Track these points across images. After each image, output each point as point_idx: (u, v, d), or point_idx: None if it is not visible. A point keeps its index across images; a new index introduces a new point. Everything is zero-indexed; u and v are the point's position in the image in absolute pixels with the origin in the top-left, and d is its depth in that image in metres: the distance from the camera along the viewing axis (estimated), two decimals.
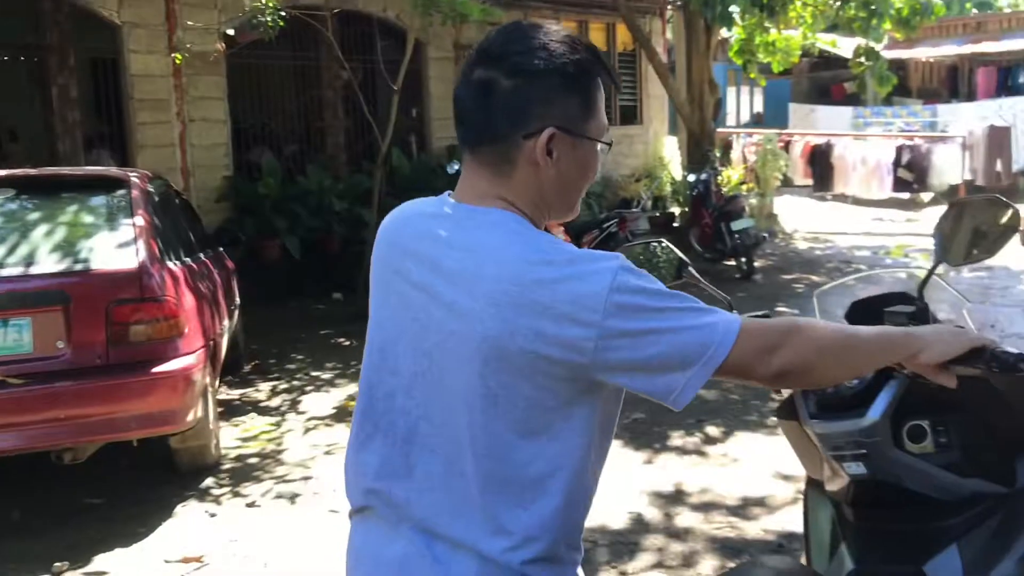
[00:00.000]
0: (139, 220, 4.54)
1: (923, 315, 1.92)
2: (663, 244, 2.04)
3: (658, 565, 3.62)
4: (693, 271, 1.98)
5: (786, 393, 2.09)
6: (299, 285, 9.81)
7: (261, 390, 6.52)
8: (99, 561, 3.86)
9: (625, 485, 4.37)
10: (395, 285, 1.46)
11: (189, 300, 4.61)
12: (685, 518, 4.04)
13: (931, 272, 1.93)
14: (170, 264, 4.64)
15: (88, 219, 4.57)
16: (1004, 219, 1.87)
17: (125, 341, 4.23)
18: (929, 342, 1.44)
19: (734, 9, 11.47)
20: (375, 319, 1.51)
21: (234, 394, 6.43)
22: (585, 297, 1.27)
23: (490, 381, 1.32)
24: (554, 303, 1.28)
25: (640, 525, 3.98)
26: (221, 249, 6.79)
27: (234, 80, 10.63)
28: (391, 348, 1.45)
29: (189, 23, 9.38)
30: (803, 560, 2.12)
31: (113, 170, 5.10)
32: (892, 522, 1.89)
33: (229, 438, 5.42)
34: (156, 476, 4.77)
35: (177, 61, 8.95)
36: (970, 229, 1.92)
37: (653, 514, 4.10)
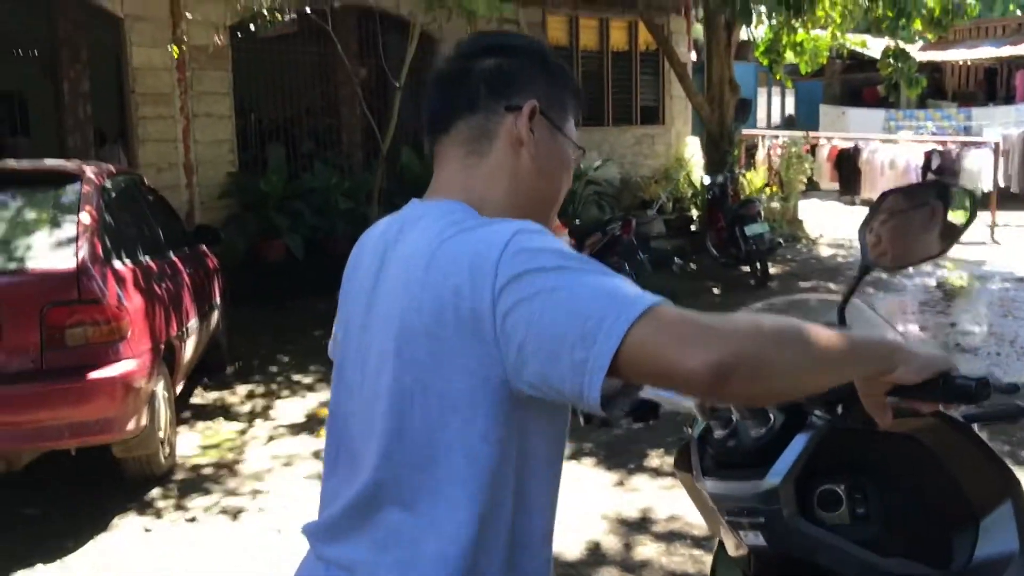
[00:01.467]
0: (85, 218, 4.32)
1: None
2: None
3: None
4: None
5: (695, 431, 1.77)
6: (301, 285, 9.59)
7: (237, 394, 6.30)
8: None
9: (588, 509, 4.07)
10: (350, 297, 1.36)
11: (137, 302, 4.38)
12: (646, 549, 3.73)
13: (856, 284, 1.58)
14: (117, 264, 4.41)
15: (31, 216, 4.36)
16: (958, 207, 1.51)
17: (61, 345, 4.01)
18: (913, 354, 1.15)
19: (757, 8, 11.08)
20: (338, 337, 1.42)
21: (209, 398, 6.21)
22: (481, 258, 1.11)
23: (406, 375, 1.17)
24: (453, 269, 1.13)
25: (595, 556, 3.67)
26: (203, 247, 6.60)
27: (245, 75, 10.45)
28: (346, 366, 1.34)
29: (189, 15, 9.19)
30: None
31: (68, 165, 4.88)
32: None
33: (191, 445, 5.20)
34: (100, 486, 4.55)
35: (174, 54, 8.77)
36: (913, 224, 1.55)
37: (612, 543, 3.80)
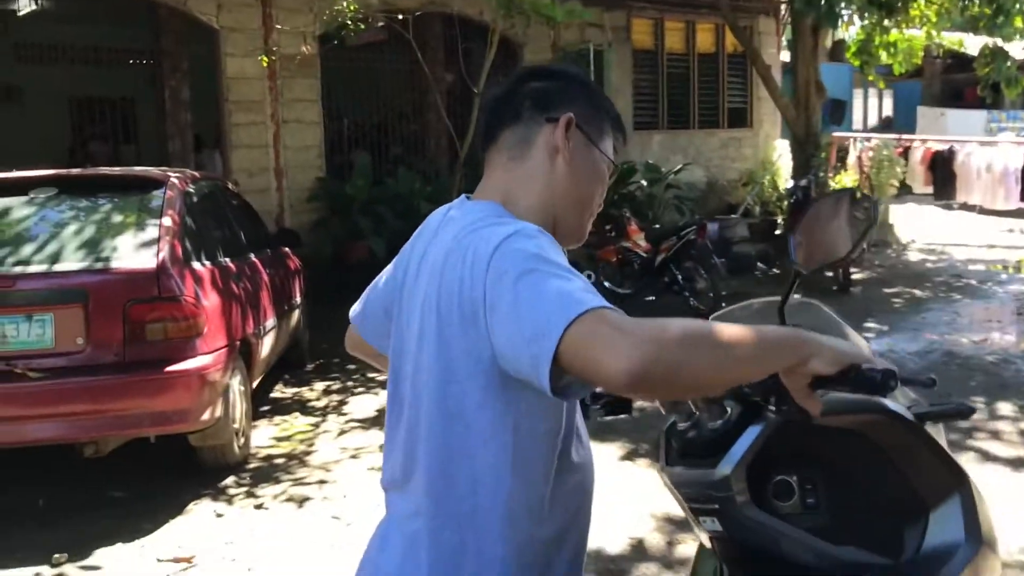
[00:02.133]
0: (167, 220, 4.62)
1: None
2: None
3: None
4: None
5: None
6: None
7: (315, 389, 6.58)
8: (99, 555, 3.94)
9: (637, 507, 4.15)
10: (408, 278, 1.49)
11: (213, 300, 4.66)
12: (688, 548, 3.80)
13: (791, 286, 1.68)
14: (197, 264, 4.70)
15: (118, 219, 4.69)
16: (860, 215, 1.64)
17: (142, 339, 4.31)
18: (824, 346, 1.24)
19: (845, 9, 10.90)
20: (367, 304, 1.67)
21: (287, 392, 6.51)
22: (478, 255, 1.27)
23: (426, 350, 1.36)
24: (460, 263, 1.29)
25: (638, 553, 3.76)
26: (286, 249, 6.91)
27: (333, 83, 10.80)
28: (403, 336, 1.48)
29: (279, 27, 9.59)
30: None
31: (154, 171, 5.21)
32: None
33: (266, 437, 5.48)
34: (180, 472, 4.85)
35: (263, 63, 9.17)
36: (828, 229, 1.68)
37: (656, 541, 3.88)
